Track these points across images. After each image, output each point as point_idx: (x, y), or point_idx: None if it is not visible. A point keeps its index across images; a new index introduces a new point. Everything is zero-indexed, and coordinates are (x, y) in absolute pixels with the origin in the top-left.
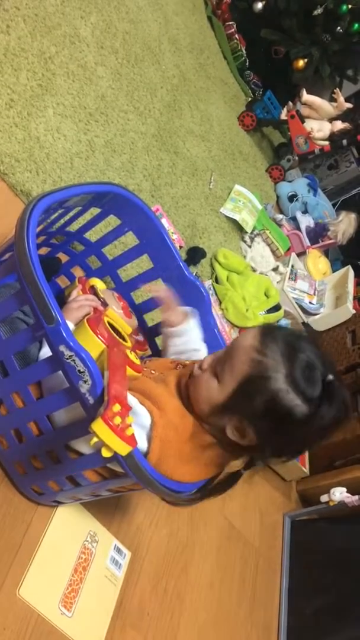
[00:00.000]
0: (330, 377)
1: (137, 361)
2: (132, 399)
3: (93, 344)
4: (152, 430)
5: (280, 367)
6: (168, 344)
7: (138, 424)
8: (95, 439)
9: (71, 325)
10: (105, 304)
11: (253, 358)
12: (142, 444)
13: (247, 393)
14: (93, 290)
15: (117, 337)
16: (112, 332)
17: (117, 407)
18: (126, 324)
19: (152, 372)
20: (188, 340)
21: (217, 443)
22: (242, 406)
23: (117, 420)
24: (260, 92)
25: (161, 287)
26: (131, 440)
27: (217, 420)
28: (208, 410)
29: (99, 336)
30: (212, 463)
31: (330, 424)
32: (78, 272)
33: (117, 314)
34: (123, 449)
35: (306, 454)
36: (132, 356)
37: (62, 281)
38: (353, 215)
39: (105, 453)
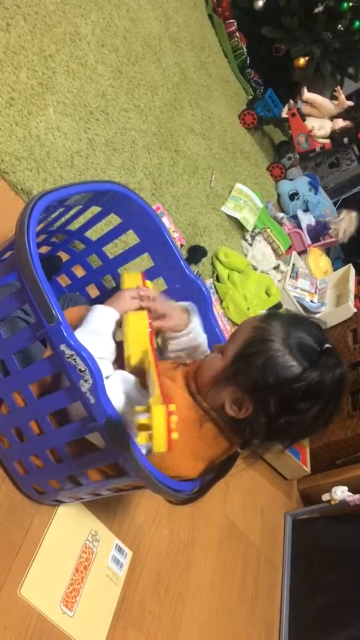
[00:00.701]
0: (327, 345)
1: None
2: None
3: (143, 339)
4: None
5: (279, 333)
6: (170, 343)
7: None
8: (145, 420)
9: (115, 314)
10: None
11: (255, 325)
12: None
13: (246, 356)
14: None
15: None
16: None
17: (173, 407)
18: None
19: None
20: (193, 336)
21: (219, 428)
22: (240, 371)
23: (174, 418)
24: (261, 90)
25: (152, 295)
26: (172, 444)
27: (217, 394)
28: (209, 382)
29: (150, 328)
30: (215, 457)
31: (324, 393)
32: (79, 271)
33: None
34: (161, 446)
35: (307, 453)
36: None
37: (62, 280)
38: (354, 214)
39: (141, 439)
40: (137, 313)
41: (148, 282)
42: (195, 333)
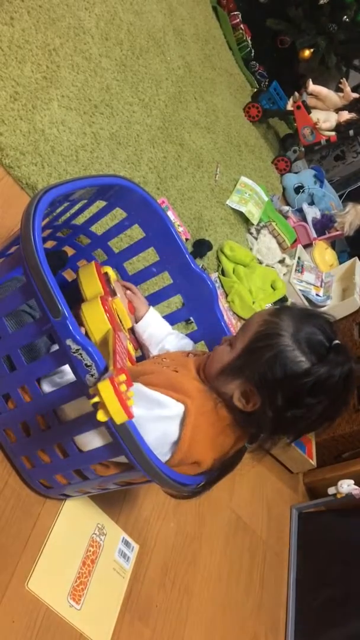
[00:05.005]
0: (336, 342)
1: (133, 352)
2: (154, 393)
3: (100, 321)
4: (186, 417)
5: (288, 328)
6: (144, 339)
7: (166, 415)
8: (96, 399)
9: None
10: (114, 293)
11: (265, 319)
12: (174, 434)
13: (255, 349)
14: (106, 277)
15: (121, 324)
16: (118, 318)
17: (123, 377)
18: (128, 319)
19: (164, 359)
20: (158, 325)
21: (231, 416)
22: (248, 364)
23: (123, 387)
24: (266, 83)
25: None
26: (129, 411)
27: (224, 385)
28: (217, 373)
29: (107, 314)
30: (226, 446)
31: (332, 389)
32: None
33: (123, 306)
34: (120, 416)
35: (313, 446)
36: (130, 347)
37: (68, 274)
38: None
39: (101, 417)
40: (89, 304)
41: (107, 268)
42: (158, 321)
